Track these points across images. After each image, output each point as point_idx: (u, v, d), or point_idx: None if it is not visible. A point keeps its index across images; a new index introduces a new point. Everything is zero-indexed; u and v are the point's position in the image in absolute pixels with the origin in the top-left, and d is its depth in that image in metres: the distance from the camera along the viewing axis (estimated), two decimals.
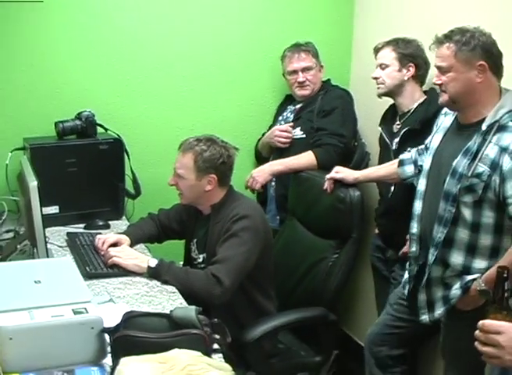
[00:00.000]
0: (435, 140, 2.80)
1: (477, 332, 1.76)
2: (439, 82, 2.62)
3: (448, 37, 2.56)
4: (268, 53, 4.00)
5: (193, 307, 1.99)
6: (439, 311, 2.70)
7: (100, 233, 3.15)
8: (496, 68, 2.57)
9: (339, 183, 3.26)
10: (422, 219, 2.77)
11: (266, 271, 3.08)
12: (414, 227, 2.81)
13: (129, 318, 1.94)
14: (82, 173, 3.44)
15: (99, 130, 3.54)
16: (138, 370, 1.66)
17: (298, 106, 3.86)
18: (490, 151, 2.47)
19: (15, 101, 3.56)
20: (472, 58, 2.53)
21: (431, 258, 2.67)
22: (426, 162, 2.80)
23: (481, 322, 1.75)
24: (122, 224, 3.46)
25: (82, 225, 3.44)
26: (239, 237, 2.85)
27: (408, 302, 2.95)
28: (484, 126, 2.50)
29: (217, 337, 1.94)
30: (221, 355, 2.03)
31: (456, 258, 2.60)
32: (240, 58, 3.99)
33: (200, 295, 2.66)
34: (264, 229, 3.01)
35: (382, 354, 3.21)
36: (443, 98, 2.65)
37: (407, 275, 2.92)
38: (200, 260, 3.09)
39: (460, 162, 2.55)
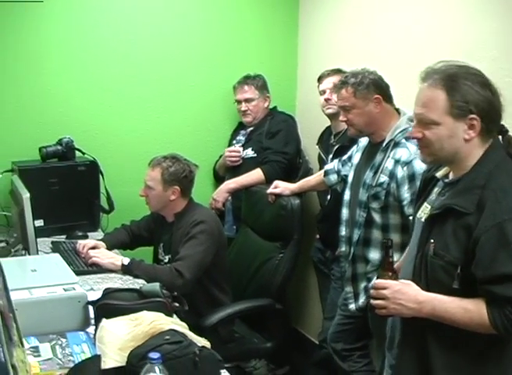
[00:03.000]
0: (356, 157, 3.33)
1: (371, 291, 2.22)
2: (345, 119, 3.16)
3: (344, 82, 3.14)
4: (222, 84, 4.51)
5: (158, 283, 2.51)
6: (362, 300, 3.16)
7: None
8: (388, 97, 3.14)
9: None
10: (349, 223, 3.26)
11: (221, 269, 3.55)
12: (343, 230, 3.31)
13: (108, 293, 2.45)
14: (63, 191, 3.85)
15: (77, 153, 3.98)
16: (115, 324, 2.19)
17: (249, 130, 4.36)
18: (388, 163, 3.02)
19: (3, 128, 4.00)
20: (368, 94, 3.10)
21: (350, 255, 3.19)
22: (350, 176, 3.33)
23: (372, 282, 2.23)
24: (98, 235, 3.84)
25: (63, 236, 3.83)
26: (197, 238, 3.33)
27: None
28: (384, 144, 3.06)
29: (176, 304, 2.47)
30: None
31: (374, 255, 3.10)
32: (197, 89, 4.48)
33: (165, 286, 2.95)
34: (218, 232, 3.50)
35: (338, 348, 3.54)
36: (351, 131, 3.19)
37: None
38: (166, 261, 3.54)
39: (368, 175, 3.09)
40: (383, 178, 3.02)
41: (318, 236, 4.07)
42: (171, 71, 4.43)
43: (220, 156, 4.48)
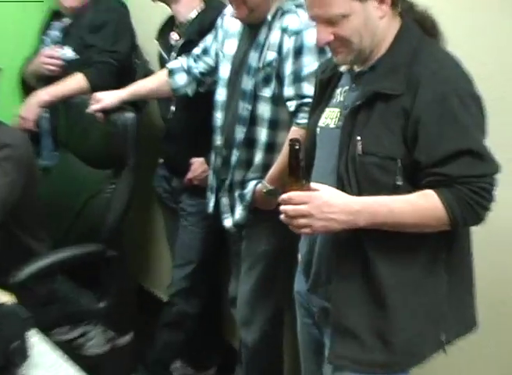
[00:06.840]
0: (229, 47, 2.90)
1: (283, 207, 1.91)
2: None
3: None
4: None
5: None
6: (239, 211, 2.83)
7: None
8: None
9: None
10: (225, 129, 2.87)
11: (32, 209, 3.02)
12: (218, 140, 2.93)
13: None
14: None
15: None
16: None
17: (67, 22, 3.69)
18: (275, 36, 2.65)
19: None
20: None
21: (233, 160, 2.80)
22: (224, 70, 2.89)
23: (286, 195, 1.90)
24: None
25: None
26: (0, 166, 2.77)
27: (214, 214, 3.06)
28: (269, 17, 2.68)
29: None
30: None
31: (259, 158, 2.77)
32: None
33: None
34: (28, 161, 2.92)
35: None
36: (241, 12, 2.73)
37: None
38: None
39: (253, 57, 2.70)
40: (271, 55, 2.67)
41: (161, 160, 3.56)
42: None
43: (27, 59, 3.78)
